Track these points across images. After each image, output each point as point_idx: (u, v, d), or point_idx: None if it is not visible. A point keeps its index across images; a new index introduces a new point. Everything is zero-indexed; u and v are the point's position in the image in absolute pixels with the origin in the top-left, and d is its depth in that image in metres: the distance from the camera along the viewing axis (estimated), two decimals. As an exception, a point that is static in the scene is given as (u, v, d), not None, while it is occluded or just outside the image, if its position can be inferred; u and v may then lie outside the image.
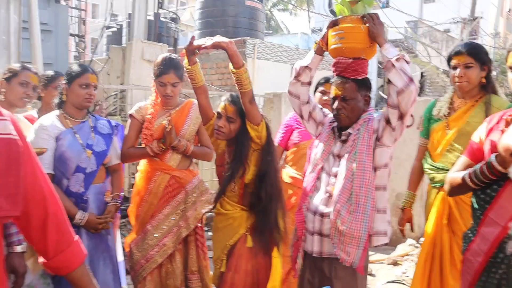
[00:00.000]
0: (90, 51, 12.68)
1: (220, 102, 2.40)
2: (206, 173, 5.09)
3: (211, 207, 2.60)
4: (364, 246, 2.02)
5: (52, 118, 2.45)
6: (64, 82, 2.48)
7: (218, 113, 2.38)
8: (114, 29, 12.33)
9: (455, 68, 2.56)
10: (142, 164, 2.83)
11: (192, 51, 2.32)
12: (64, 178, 2.41)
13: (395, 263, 4.41)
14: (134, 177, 5.47)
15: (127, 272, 3.32)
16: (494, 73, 2.66)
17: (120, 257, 3.01)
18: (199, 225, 2.80)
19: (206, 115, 2.45)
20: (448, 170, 2.54)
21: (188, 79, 2.43)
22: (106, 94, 5.57)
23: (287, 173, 3.09)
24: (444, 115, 2.64)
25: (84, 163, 2.43)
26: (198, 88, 2.40)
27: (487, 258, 1.61)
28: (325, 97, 2.97)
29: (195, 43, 2.29)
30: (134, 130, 2.77)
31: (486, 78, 2.54)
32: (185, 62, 2.39)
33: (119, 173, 2.73)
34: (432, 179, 2.67)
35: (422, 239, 2.98)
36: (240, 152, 2.33)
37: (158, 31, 7.24)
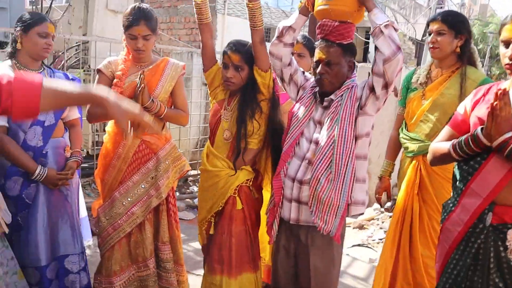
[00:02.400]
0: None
1: (223, 51, 2.35)
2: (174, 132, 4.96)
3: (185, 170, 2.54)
4: (342, 214, 2.01)
5: (4, 69, 2.27)
6: (20, 29, 2.30)
7: (224, 63, 2.34)
8: (75, -26, 11.55)
9: (430, 34, 2.56)
10: (110, 125, 2.63)
11: None
12: (20, 131, 2.29)
13: (361, 227, 4.53)
14: (98, 135, 5.29)
15: (93, 234, 3.24)
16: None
17: (83, 213, 2.94)
18: (171, 193, 2.68)
19: (210, 58, 2.42)
20: (421, 140, 2.57)
21: (196, 15, 2.38)
22: (67, 45, 5.22)
23: None
24: (421, 84, 2.64)
25: (41, 115, 2.29)
26: (205, 25, 2.37)
27: (466, 228, 1.65)
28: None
29: None
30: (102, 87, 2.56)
31: (462, 47, 2.53)
32: None
33: (77, 128, 2.62)
34: (406, 149, 2.69)
35: (388, 204, 3.05)
36: (247, 101, 2.31)
37: (124, -21, 6.80)
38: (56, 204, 2.42)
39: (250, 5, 2.23)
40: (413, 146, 2.61)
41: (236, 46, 2.32)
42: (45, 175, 2.32)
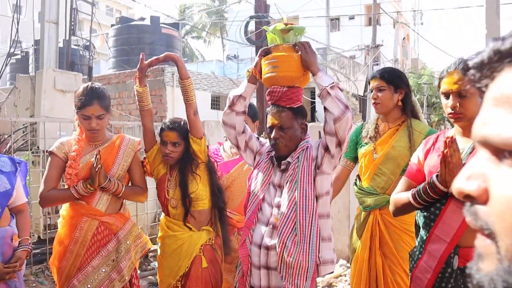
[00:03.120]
0: (-10, 81, 11.67)
1: (161, 129, 2.54)
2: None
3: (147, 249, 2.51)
4: (312, 276, 1.99)
5: None
6: None
7: (162, 141, 2.52)
8: (19, 56, 11.51)
9: (372, 91, 2.71)
10: (65, 208, 2.51)
11: (144, 69, 2.47)
12: None
13: (330, 285, 4.46)
14: (50, 217, 5.04)
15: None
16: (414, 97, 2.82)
17: None
18: (134, 274, 2.57)
19: (150, 140, 2.58)
20: (377, 193, 2.64)
21: (137, 102, 2.54)
22: (14, 128, 5.08)
23: None
24: (370, 139, 2.75)
25: None
26: (146, 111, 2.54)
27: (435, 274, 1.68)
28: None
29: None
30: (55, 169, 2.45)
31: (403, 100, 2.68)
32: (136, 85, 2.50)
33: (25, 213, 2.47)
34: (362, 203, 2.73)
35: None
36: (186, 165, 2.50)
37: (71, 59, 6.85)
38: None
39: (183, 83, 2.45)
40: (369, 200, 2.65)
41: (172, 125, 2.50)
42: None
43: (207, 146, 2.59)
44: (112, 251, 2.45)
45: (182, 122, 2.53)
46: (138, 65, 2.48)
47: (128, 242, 2.50)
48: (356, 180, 2.82)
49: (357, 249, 2.69)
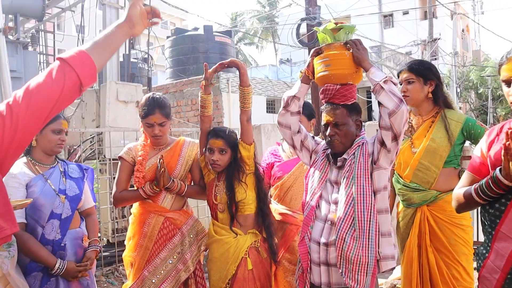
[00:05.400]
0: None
1: (208, 138, 2.58)
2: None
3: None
4: (373, 272, 1.98)
5: (20, 166, 2.36)
6: None
7: (209, 149, 2.55)
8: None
9: (401, 84, 2.65)
10: (135, 207, 2.73)
11: (210, 77, 2.54)
12: (38, 226, 2.31)
13: (393, 287, 4.35)
14: (117, 222, 5.33)
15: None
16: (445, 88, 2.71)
17: None
18: (198, 266, 2.71)
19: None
20: (423, 189, 2.55)
21: (200, 108, 2.63)
22: (82, 138, 5.43)
23: (275, 209, 2.88)
24: (405, 134, 2.67)
25: (58, 208, 2.36)
26: (207, 117, 2.62)
27: (504, 274, 1.58)
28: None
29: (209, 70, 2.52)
30: (125, 173, 2.68)
31: (434, 92, 2.60)
32: (201, 92, 2.59)
33: (93, 217, 2.66)
34: (407, 200, 2.65)
35: None
36: (233, 173, 2.53)
37: (131, 71, 7.22)
38: None
39: (243, 90, 2.50)
40: (415, 197, 2.58)
41: (218, 133, 2.56)
42: (64, 268, 2.31)
43: (265, 152, 2.65)
44: (177, 244, 2.62)
45: (227, 131, 2.59)
46: (204, 74, 2.56)
47: (191, 236, 2.67)
48: (396, 176, 2.74)
49: (405, 249, 2.62)
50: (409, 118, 2.68)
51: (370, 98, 15.83)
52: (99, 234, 4.13)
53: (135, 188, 2.65)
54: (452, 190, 2.42)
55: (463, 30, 31.96)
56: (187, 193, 2.67)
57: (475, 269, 1.76)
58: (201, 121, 2.65)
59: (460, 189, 1.79)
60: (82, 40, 6.76)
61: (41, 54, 8.24)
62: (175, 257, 2.61)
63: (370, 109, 17.96)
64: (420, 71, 2.59)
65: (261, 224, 2.57)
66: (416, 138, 2.61)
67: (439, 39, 18.04)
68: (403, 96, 2.59)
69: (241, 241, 2.49)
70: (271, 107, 12.84)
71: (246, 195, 2.52)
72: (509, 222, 1.58)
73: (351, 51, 2.13)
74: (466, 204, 1.75)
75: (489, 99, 22.20)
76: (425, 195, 2.54)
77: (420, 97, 2.59)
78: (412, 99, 2.60)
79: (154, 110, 2.56)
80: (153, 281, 2.55)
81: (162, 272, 2.57)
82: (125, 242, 2.73)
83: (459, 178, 2.21)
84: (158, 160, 2.52)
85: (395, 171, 2.74)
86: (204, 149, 2.62)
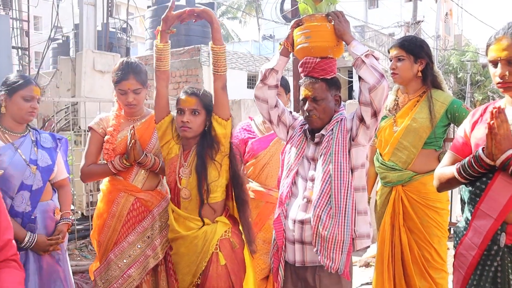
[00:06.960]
0: (34, 65, 12.10)
1: (178, 97, 2.22)
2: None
3: None
4: (348, 250, 1.96)
5: None
6: (4, 93, 2.28)
7: (179, 109, 2.20)
8: (60, 41, 11.84)
9: (391, 60, 2.58)
10: (104, 183, 2.54)
11: (170, 21, 2.12)
12: (7, 198, 2.22)
13: (367, 265, 4.41)
14: (92, 195, 5.22)
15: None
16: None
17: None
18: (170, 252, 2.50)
19: (163, 108, 2.26)
20: (399, 169, 2.53)
21: (154, 61, 2.23)
22: (56, 108, 5.26)
23: (250, 187, 2.71)
24: (389, 111, 2.63)
25: (29, 179, 2.27)
26: (162, 73, 2.23)
27: (481, 251, 1.61)
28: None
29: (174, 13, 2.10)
30: (94, 145, 2.48)
31: (424, 71, 2.54)
32: (156, 40, 2.20)
33: (66, 188, 2.55)
34: (383, 178, 2.64)
35: None
36: (205, 149, 2.17)
37: (109, 40, 7.00)
38: (47, 271, 2.33)
39: (215, 49, 2.15)
40: (391, 176, 2.57)
41: (192, 90, 2.23)
42: (34, 241, 2.24)
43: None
44: (147, 228, 2.44)
45: (203, 90, 2.26)
46: (164, 14, 2.14)
47: (163, 220, 2.46)
48: (377, 154, 2.72)
49: (380, 228, 2.63)
50: (396, 96, 2.64)
51: (352, 78, 15.82)
52: (73, 207, 4.03)
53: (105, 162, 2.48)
54: (429, 172, 2.43)
55: (446, 14, 32.04)
56: (161, 169, 2.45)
57: (453, 247, 1.77)
58: (156, 78, 2.23)
59: (442, 168, 1.80)
60: (57, 6, 6.49)
61: (14, 20, 7.90)
62: (144, 241, 2.43)
63: (351, 89, 17.98)
64: (411, 49, 2.52)
65: (234, 211, 2.31)
66: (399, 117, 2.58)
67: (422, 21, 18.01)
68: (392, 73, 2.54)
69: (209, 232, 2.18)
70: (252, 82, 12.71)
71: (219, 176, 2.20)
72: (489, 201, 1.59)
73: (332, 23, 2.05)
74: (447, 183, 1.75)
75: (467, 84, 22.48)
76: (401, 175, 2.53)
77: (409, 75, 2.53)
78: (401, 77, 2.55)
79: (128, 75, 2.38)
80: (119, 265, 2.40)
81: (129, 256, 2.40)
82: (93, 220, 2.58)
83: (439, 161, 2.20)
84: (129, 131, 2.34)
85: (377, 149, 2.71)
86: (161, 115, 2.24)
